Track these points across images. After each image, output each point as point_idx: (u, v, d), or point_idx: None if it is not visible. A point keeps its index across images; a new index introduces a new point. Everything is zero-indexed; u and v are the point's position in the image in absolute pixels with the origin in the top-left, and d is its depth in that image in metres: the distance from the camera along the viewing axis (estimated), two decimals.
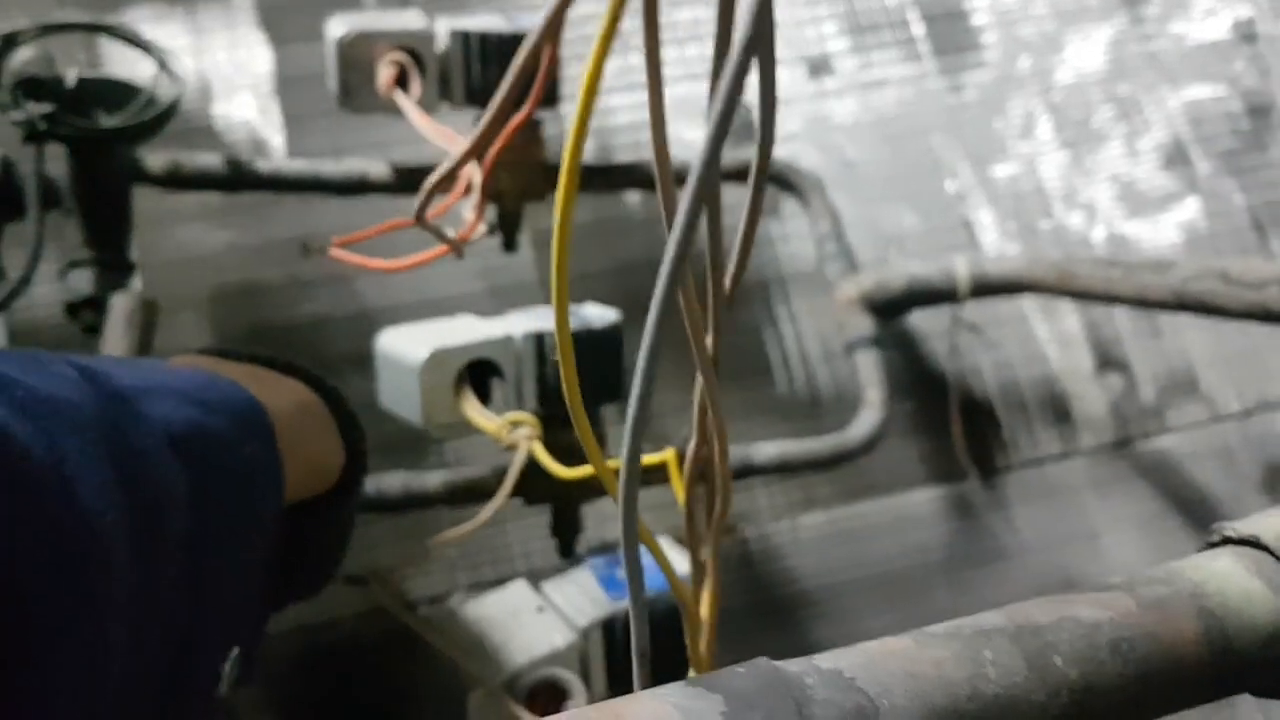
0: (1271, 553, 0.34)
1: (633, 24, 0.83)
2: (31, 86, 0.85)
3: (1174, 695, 0.33)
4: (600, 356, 0.86)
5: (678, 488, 0.52)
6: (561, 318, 0.36)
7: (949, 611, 0.38)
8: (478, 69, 0.91)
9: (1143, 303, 0.85)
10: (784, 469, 0.98)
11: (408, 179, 0.97)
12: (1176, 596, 0.33)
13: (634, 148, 1.12)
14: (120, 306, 0.82)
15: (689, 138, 1.10)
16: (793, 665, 0.33)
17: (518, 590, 0.81)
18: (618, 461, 0.46)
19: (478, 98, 0.91)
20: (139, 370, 0.43)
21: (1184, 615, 0.33)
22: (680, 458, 0.47)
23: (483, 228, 0.75)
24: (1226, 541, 0.36)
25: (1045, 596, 0.34)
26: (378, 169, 0.96)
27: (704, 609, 0.48)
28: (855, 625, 1.02)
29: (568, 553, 0.91)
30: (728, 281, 0.38)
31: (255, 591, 0.47)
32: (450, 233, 0.69)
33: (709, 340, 0.40)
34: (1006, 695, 0.31)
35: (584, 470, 0.74)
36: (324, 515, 0.55)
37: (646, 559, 0.42)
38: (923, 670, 0.32)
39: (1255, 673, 0.33)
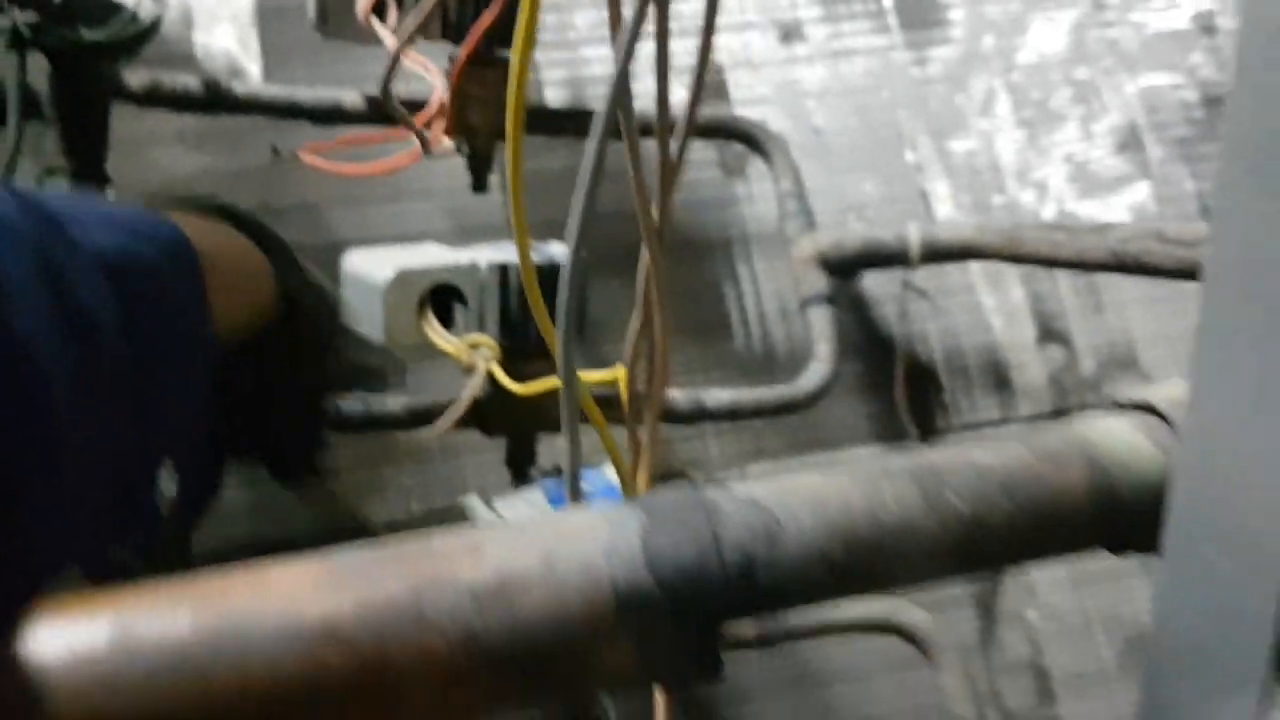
0: (1162, 416, 0.37)
1: None
2: None
3: (1059, 538, 0.36)
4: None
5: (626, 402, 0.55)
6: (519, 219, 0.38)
7: None
8: (454, 4, 0.93)
9: (1083, 265, 0.88)
10: (734, 415, 1.02)
11: (381, 109, 0.99)
12: (1068, 449, 0.37)
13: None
14: None
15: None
16: (713, 491, 0.36)
17: (471, 505, 0.83)
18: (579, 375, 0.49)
19: (453, 32, 0.94)
20: (72, 199, 0.43)
21: (1073, 466, 0.36)
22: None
23: (449, 143, 0.78)
24: (1122, 408, 0.39)
25: (948, 446, 0.37)
26: (351, 98, 0.98)
27: (640, 485, 0.51)
28: None
29: (522, 483, 0.93)
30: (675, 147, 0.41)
31: (191, 426, 0.47)
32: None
33: (654, 209, 0.43)
34: (903, 523, 0.35)
35: (540, 385, 0.77)
36: (262, 353, 0.55)
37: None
38: (828, 498, 0.35)
39: (1138, 525, 0.36)
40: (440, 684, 0.32)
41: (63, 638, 0.30)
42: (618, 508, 0.35)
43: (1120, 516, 0.36)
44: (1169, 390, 0.38)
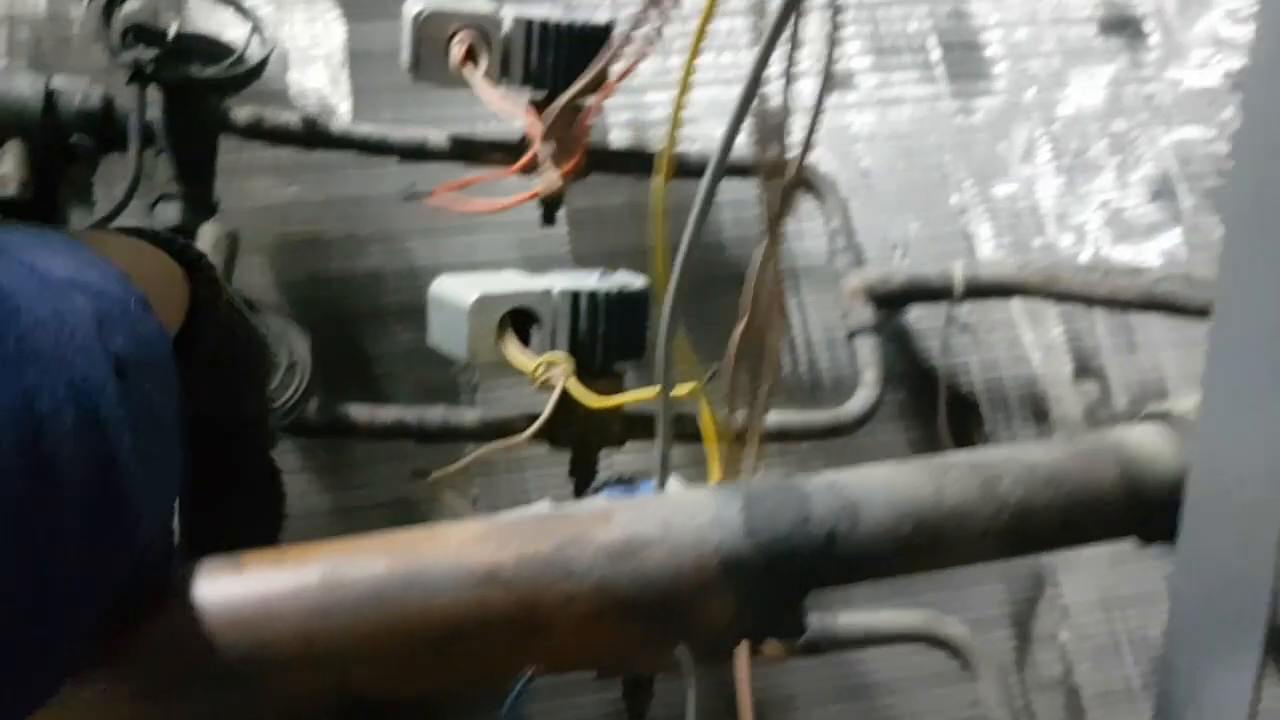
0: (1181, 424, 0.44)
1: (673, 29, 0.94)
2: (139, 33, 0.95)
3: (1095, 525, 0.43)
4: (628, 315, 0.96)
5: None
6: None
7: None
8: (536, 53, 1.01)
9: (1116, 302, 0.95)
10: (784, 437, 1.09)
11: (463, 149, 1.07)
12: (1102, 449, 0.43)
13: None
14: (209, 233, 0.92)
15: (717, 134, 1.21)
16: (800, 479, 0.43)
17: (542, 508, 0.90)
18: (647, 391, 0.57)
19: (534, 79, 1.02)
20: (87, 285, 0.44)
21: (1106, 463, 0.43)
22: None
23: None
24: (1150, 417, 0.46)
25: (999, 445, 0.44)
26: (436, 137, 1.06)
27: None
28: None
29: (583, 494, 1.00)
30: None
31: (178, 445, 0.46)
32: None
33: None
34: (961, 507, 0.41)
35: (615, 399, 0.84)
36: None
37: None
38: (898, 484, 0.42)
39: (1157, 514, 0.43)
40: (578, 622, 0.38)
41: (283, 577, 0.37)
42: (722, 489, 0.42)
43: (1145, 508, 0.43)
44: (1189, 403, 0.45)
